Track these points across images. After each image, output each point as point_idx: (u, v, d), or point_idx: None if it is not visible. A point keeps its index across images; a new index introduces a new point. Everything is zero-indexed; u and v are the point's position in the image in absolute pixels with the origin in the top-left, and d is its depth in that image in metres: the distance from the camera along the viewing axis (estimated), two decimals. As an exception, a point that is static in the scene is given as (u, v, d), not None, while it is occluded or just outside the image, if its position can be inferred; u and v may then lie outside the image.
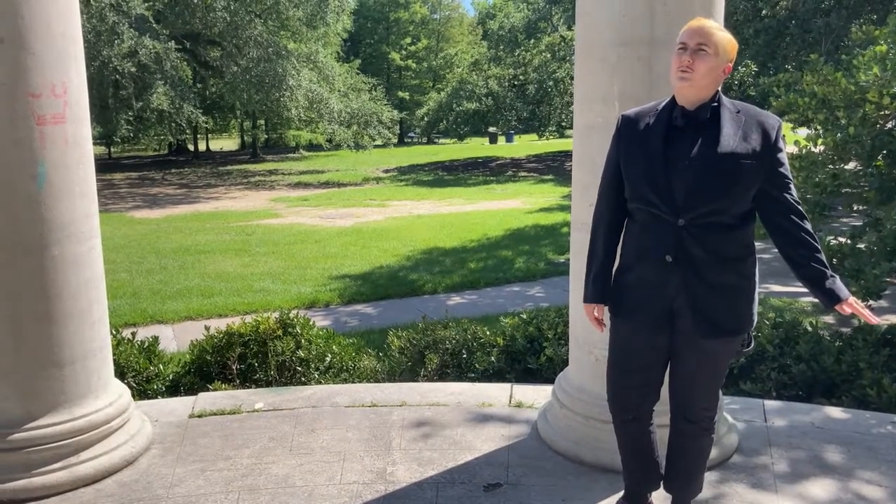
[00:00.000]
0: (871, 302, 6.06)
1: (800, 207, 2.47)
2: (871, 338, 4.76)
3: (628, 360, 2.66)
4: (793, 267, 2.49)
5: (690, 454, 2.74)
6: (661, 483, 2.84)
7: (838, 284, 2.42)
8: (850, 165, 6.45)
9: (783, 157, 2.45)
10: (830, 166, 6.28)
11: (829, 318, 7.39)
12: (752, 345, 2.62)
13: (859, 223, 6.69)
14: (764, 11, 18.09)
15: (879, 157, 5.98)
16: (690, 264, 2.43)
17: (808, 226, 2.46)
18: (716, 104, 2.46)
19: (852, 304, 2.42)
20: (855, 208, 6.73)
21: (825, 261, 2.45)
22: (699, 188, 2.38)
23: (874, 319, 2.51)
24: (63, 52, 3.18)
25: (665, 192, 2.41)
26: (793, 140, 6.79)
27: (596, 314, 2.66)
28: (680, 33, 2.45)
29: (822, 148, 6.25)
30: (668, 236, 2.43)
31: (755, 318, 2.57)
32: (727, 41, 2.43)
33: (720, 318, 2.46)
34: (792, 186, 2.46)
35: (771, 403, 4.08)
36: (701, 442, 2.72)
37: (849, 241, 6.35)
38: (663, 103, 2.53)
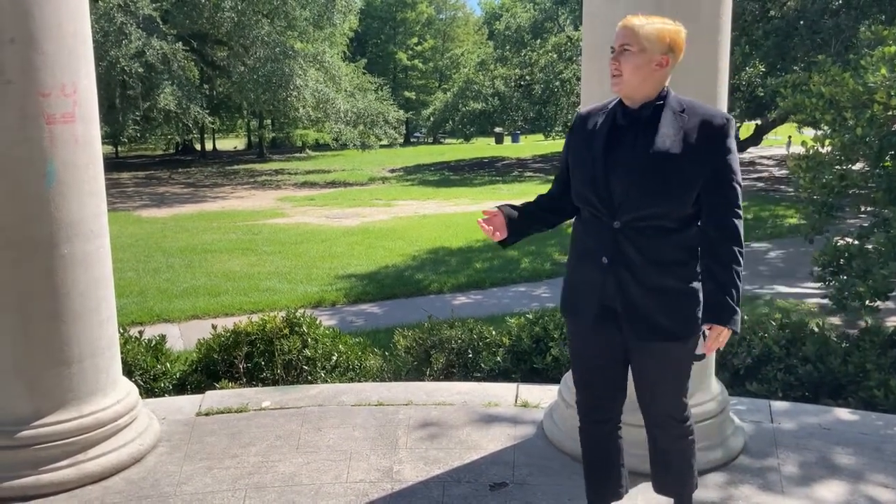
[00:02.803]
0: (878, 302, 6.05)
1: (735, 210, 2.33)
2: (879, 339, 4.74)
3: (582, 359, 2.63)
4: (702, 273, 2.39)
5: (670, 458, 2.68)
6: (652, 487, 2.78)
7: (724, 309, 2.30)
8: (858, 166, 6.43)
9: (730, 157, 2.33)
10: (838, 167, 6.26)
11: (836, 320, 7.37)
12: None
13: (867, 224, 6.66)
14: (772, 12, 18.04)
15: (887, 158, 5.96)
16: (626, 267, 2.37)
17: (735, 233, 2.32)
18: (661, 103, 2.37)
19: (710, 343, 2.33)
20: (862, 209, 6.71)
21: (729, 282, 2.31)
22: (634, 190, 2.32)
23: (708, 350, 2.37)
24: (73, 51, 3.20)
25: (603, 194, 2.36)
26: (800, 140, 6.77)
27: (489, 213, 2.54)
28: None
29: (829, 148, 6.24)
30: (605, 238, 2.39)
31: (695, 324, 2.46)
32: (656, 32, 2.32)
33: (658, 321, 2.39)
34: (733, 188, 2.33)
35: (778, 404, 4.07)
36: (676, 445, 2.65)
37: (856, 242, 6.33)
38: (612, 102, 2.47)
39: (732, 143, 2.36)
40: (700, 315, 2.42)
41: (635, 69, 2.32)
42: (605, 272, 2.41)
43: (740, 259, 2.34)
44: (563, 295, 2.62)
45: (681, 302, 2.41)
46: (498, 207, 2.54)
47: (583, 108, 2.57)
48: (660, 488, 2.78)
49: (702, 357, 2.51)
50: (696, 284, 2.42)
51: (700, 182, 2.32)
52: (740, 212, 2.36)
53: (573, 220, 2.61)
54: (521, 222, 2.56)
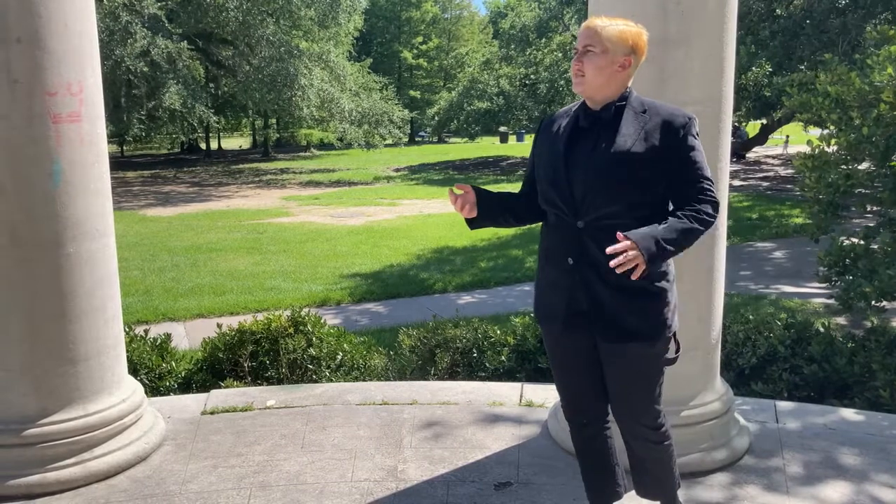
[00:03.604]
0: (884, 302, 6.03)
1: (708, 196, 2.30)
2: (885, 339, 4.73)
3: (557, 362, 2.62)
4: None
5: (647, 465, 2.66)
6: (634, 490, 2.75)
7: (650, 237, 2.19)
8: (864, 165, 6.41)
9: (694, 154, 2.32)
10: (844, 166, 6.25)
11: (842, 320, 7.35)
12: (679, 352, 2.49)
13: (873, 223, 6.64)
14: (778, 11, 17.98)
15: (893, 158, 5.94)
16: (591, 267, 2.37)
17: (705, 214, 2.27)
18: (622, 103, 2.38)
19: (618, 248, 2.16)
20: (868, 208, 6.69)
21: (676, 226, 2.24)
22: (595, 189, 2.32)
23: (635, 273, 2.19)
24: (79, 50, 3.21)
25: (566, 194, 2.37)
26: (805, 140, 6.75)
27: (462, 187, 2.50)
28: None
29: (835, 148, 6.22)
30: (569, 238, 2.39)
31: (673, 324, 2.44)
32: (618, 33, 2.32)
33: (626, 322, 2.37)
34: (704, 183, 2.31)
35: (783, 404, 4.06)
36: (652, 454, 2.62)
37: (862, 242, 6.31)
38: (576, 104, 2.49)
39: (695, 140, 2.35)
40: (669, 317, 2.41)
41: (598, 70, 2.33)
42: (571, 273, 2.41)
43: (697, 229, 2.27)
44: (535, 300, 2.62)
45: (647, 301, 2.39)
46: (472, 186, 2.53)
47: (554, 113, 2.59)
48: (643, 493, 2.76)
49: (673, 361, 2.49)
50: (664, 284, 2.40)
51: (661, 180, 2.33)
52: (714, 199, 2.31)
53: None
54: (491, 208, 2.55)
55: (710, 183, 2.34)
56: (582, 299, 2.41)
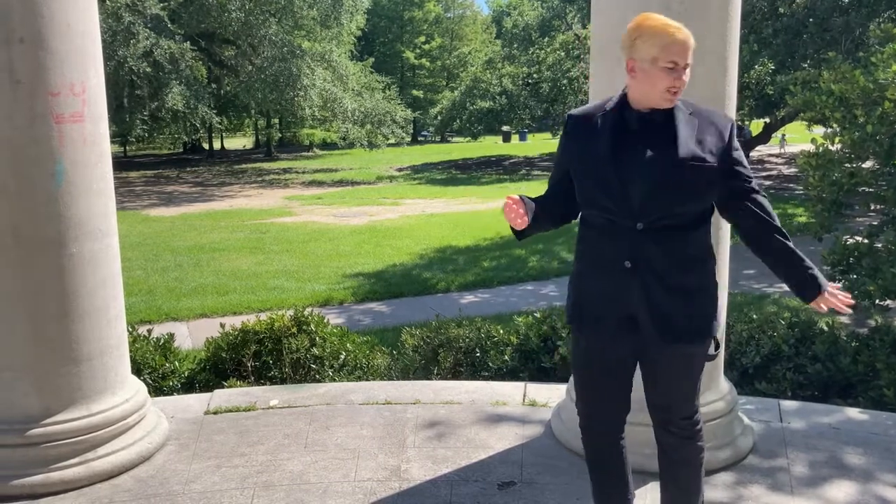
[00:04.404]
0: (888, 301, 6.01)
1: (767, 203, 2.42)
2: (889, 338, 4.71)
3: (591, 371, 2.56)
4: (773, 258, 2.43)
5: (680, 467, 2.63)
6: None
7: (819, 274, 2.37)
8: (868, 164, 6.39)
9: (739, 155, 2.40)
10: (847, 164, 6.23)
11: (846, 319, 7.33)
12: (721, 348, 2.54)
13: (877, 222, 6.63)
14: (781, 9, 17.95)
15: (897, 156, 5.93)
16: (650, 269, 2.35)
17: (777, 221, 2.42)
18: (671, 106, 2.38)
19: (828, 300, 2.37)
20: (872, 207, 6.67)
21: (802, 255, 2.41)
22: (659, 193, 2.31)
23: (845, 307, 2.39)
24: (82, 50, 3.21)
25: (620, 198, 2.33)
26: (809, 138, 6.74)
27: (513, 199, 2.45)
28: (663, 47, 2.29)
29: (839, 146, 6.21)
30: (625, 241, 2.36)
31: (722, 321, 2.50)
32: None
33: (684, 323, 2.38)
34: (755, 183, 2.41)
35: (787, 404, 4.05)
36: (688, 452, 2.61)
37: (866, 240, 6.30)
38: (611, 103, 2.43)
39: (736, 141, 2.43)
40: (718, 315, 2.46)
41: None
42: (629, 277, 2.37)
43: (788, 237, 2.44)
44: (573, 306, 2.55)
45: (703, 302, 2.43)
46: (520, 196, 2.48)
47: (574, 110, 2.54)
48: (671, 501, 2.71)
49: (714, 357, 2.52)
50: (713, 282, 2.46)
51: (715, 181, 2.36)
52: (764, 195, 2.44)
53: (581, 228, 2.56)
54: (538, 215, 2.51)
55: (755, 181, 2.43)
56: (638, 303, 2.38)
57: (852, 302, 2.40)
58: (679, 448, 2.60)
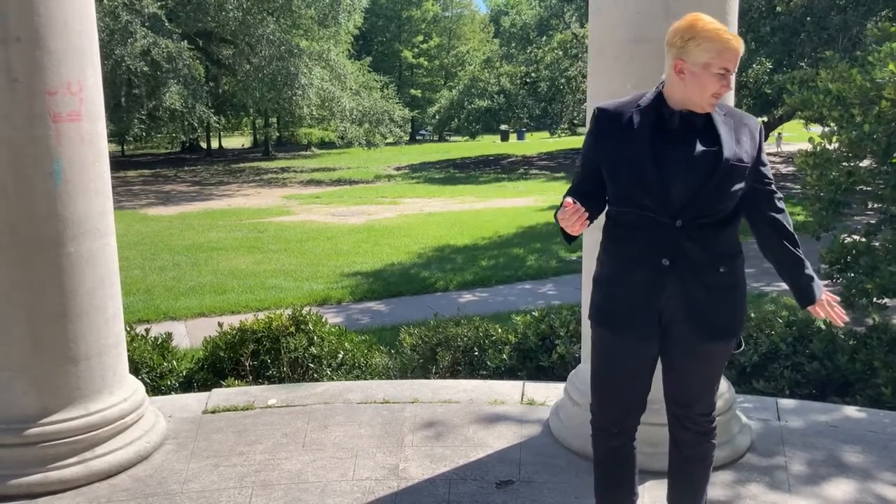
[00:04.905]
0: (886, 300, 6.02)
1: (784, 206, 2.47)
2: (886, 337, 4.72)
3: (614, 371, 2.54)
4: (778, 261, 2.46)
5: (694, 464, 2.64)
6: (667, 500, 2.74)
7: (817, 283, 2.41)
8: (865, 163, 6.40)
9: (765, 156, 2.46)
10: (845, 163, 6.24)
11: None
12: (743, 346, 2.57)
13: (874, 221, 6.64)
14: (778, 8, 17.97)
15: (895, 155, 5.93)
16: (688, 266, 2.35)
17: (791, 225, 2.46)
18: None
19: (824, 306, 2.40)
20: (870, 206, 6.67)
21: (806, 261, 2.45)
22: (702, 192, 2.31)
23: (840, 321, 2.43)
24: (79, 49, 3.20)
25: (659, 195, 2.32)
26: (807, 137, 6.74)
27: (574, 206, 2.29)
28: (718, 52, 2.25)
29: (836, 145, 6.21)
30: (663, 239, 2.35)
31: (745, 318, 2.54)
32: None
33: (719, 321, 2.40)
34: (773, 185, 2.46)
35: (785, 402, 4.06)
36: (703, 450, 2.61)
37: (864, 239, 6.30)
38: (645, 100, 2.40)
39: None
40: (745, 312, 2.51)
41: None
42: (666, 274, 2.36)
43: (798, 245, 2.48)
44: (601, 305, 2.51)
45: (736, 299, 2.45)
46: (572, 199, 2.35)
47: (604, 104, 2.47)
48: (679, 501, 2.71)
49: (737, 353, 2.58)
50: (743, 280, 2.49)
51: (750, 179, 2.39)
52: (782, 199, 2.49)
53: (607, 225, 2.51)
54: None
55: (775, 185, 2.48)
56: (674, 300, 2.38)
57: (847, 319, 2.45)
58: (694, 444, 2.60)
